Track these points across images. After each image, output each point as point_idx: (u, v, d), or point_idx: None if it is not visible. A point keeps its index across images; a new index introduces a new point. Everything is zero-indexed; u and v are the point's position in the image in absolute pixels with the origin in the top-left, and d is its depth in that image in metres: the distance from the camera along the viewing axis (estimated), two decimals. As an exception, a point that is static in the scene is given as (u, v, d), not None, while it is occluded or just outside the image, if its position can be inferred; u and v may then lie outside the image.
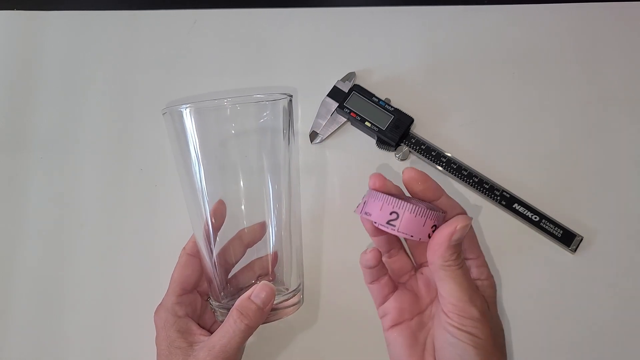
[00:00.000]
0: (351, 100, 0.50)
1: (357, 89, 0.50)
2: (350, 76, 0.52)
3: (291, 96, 0.40)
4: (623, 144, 0.50)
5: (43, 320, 0.48)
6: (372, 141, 0.50)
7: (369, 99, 0.50)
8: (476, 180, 0.48)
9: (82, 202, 0.50)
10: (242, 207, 0.41)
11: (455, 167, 0.48)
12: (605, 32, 0.53)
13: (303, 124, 0.51)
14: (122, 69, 0.54)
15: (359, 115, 0.49)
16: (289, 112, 0.41)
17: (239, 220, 0.41)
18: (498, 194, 0.47)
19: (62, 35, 0.56)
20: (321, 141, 0.50)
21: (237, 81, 0.53)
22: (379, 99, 0.50)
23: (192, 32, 0.55)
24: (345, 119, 0.50)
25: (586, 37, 0.53)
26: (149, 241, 0.49)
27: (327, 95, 0.51)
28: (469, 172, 0.48)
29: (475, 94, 0.52)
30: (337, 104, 0.50)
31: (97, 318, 0.47)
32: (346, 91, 0.50)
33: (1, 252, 0.49)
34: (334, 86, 0.51)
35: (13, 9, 0.56)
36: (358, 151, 0.50)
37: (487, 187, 0.47)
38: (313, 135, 0.50)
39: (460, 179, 0.48)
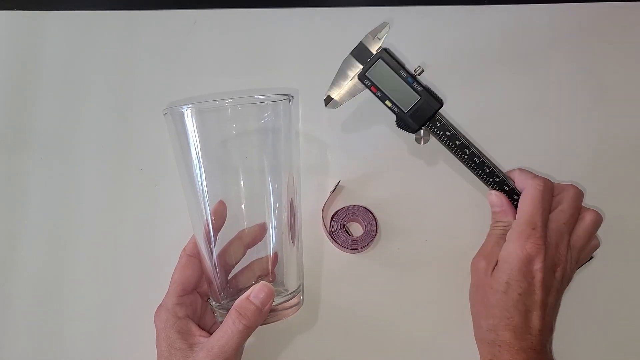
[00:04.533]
0: (375, 70, 0.43)
1: (386, 54, 0.42)
2: (381, 28, 0.42)
3: (292, 97, 0.40)
4: (623, 144, 0.50)
5: (43, 320, 0.48)
6: (373, 142, 0.50)
7: (396, 71, 0.42)
8: (497, 180, 0.44)
9: (82, 202, 0.50)
10: (243, 207, 0.41)
11: (478, 162, 0.44)
12: (604, 32, 0.53)
13: (303, 124, 0.51)
14: (122, 69, 0.54)
15: (380, 91, 0.43)
16: (290, 112, 0.41)
17: (239, 221, 0.41)
18: (516, 197, 0.44)
19: (62, 35, 0.55)
20: (336, 107, 0.45)
21: (236, 81, 0.53)
22: (408, 73, 0.42)
23: (192, 32, 0.55)
24: (366, 88, 0.44)
25: (586, 37, 0.53)
26: (149, 241, 0.49)
27: (351, 53, 0.43)
28: (491, 170, 0.44)
29: (476, 94, 0.52)
30: (360, 69, 0.43)
31: (97, 318, 0.47)
32: (373, 52, 0.43)
33: (1, 252, 0.49)
34: (360, 42, 0.43)
35: (13, 9, 0.56)
36: (359, 152, 0.50)
37: (507, 189, 0.44)
38: (328, 100, 0.45)
39: (481, 175, 0.44)
